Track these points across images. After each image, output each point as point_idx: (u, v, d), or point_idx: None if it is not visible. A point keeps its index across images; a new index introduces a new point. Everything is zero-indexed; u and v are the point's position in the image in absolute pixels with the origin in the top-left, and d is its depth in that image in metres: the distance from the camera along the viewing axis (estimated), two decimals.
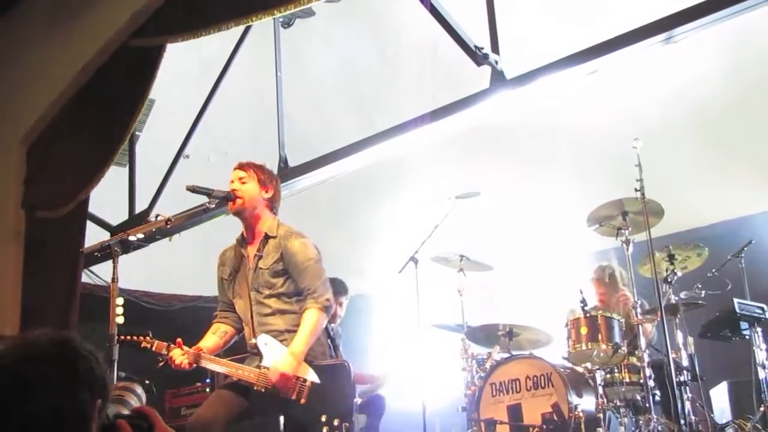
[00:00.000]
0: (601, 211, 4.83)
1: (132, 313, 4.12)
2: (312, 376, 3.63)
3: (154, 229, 5.24)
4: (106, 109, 5.38)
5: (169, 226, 4.12)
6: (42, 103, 5.78)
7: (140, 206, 5.81)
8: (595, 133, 6.53)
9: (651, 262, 4.48)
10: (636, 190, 4.55)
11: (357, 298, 6.96)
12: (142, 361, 3.99)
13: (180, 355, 3.69)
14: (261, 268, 3.81)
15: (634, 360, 4.60)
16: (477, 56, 4.32)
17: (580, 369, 4.80)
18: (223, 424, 3.64)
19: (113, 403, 1.72)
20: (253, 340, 3.75)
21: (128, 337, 3.79)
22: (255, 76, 6.69)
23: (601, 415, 4.51)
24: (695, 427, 4.41)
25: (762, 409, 4.57)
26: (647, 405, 4.37)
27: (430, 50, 6.79)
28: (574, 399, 4.51)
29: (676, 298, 4.82)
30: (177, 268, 7.47)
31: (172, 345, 3.73)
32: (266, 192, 3.92)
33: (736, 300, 4.81)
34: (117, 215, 5.94)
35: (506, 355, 5.05)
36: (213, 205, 3.93)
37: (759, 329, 4.80)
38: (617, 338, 4.66)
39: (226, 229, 4.38)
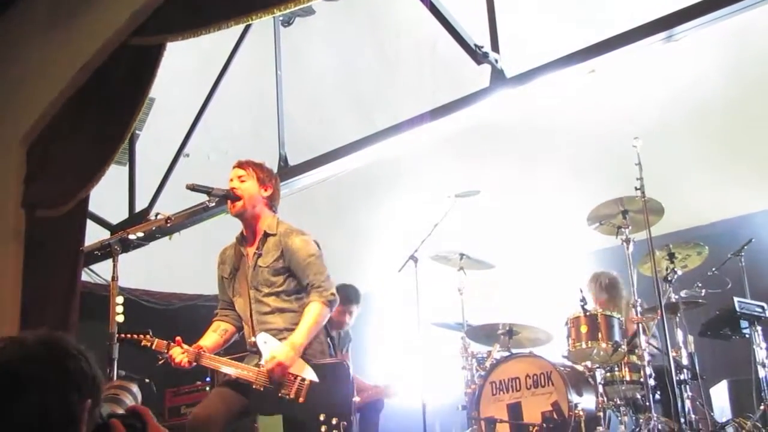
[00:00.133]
0: (601, 210, 4.83)
1: (132, 312, 4.13)
2: (311, 375, 3.62)
3: (154, 228, 5.25)
4: (106, 108, 5.38)
5: (169, 225, 4.12)
6: (42, 103, 5.78)
7: (140, 205, 5.80)
8: (595, 131, 6.53)
9: (651, 261, 4.48)
10: (636, 189, 4.55)
11: None
12: (143, 360, 3.99)
13: (180, 354, 3.69)
14: (260, 267, 3.81)
15: (634, 358, 4.60)
16: (477, 55, 4.31)
17: (580, 367, 4.80)
18: (222, 423, 3.64)
19: (108, 402, 1.71)
20: (253, 339, 3.75)
21: (128, 336, 3.79)
22: (255, 75, 6.69)
23: (601, 414, 4.51)
24: (695, 426, 4.41)
25: (762, 407, 4.57)
26: (647, 403, 4.37)
27: (430, 49, 6.79)
28: (574, 397, 4.51)
29: (677, 297, 4.82)
30: (177, 266, 7.48)
31: (172, 343, 3.73)
32: (265, 190, 3.92)
33: (736, 299, 4.80)
34: (117, 214, 5.94)
35: (506, 353, 5.05)
36: (213, 204, 3.93)
37: (759, 328, 4.79)
38: (617, 337, 4.66)
39: (226, 227, 4.38)
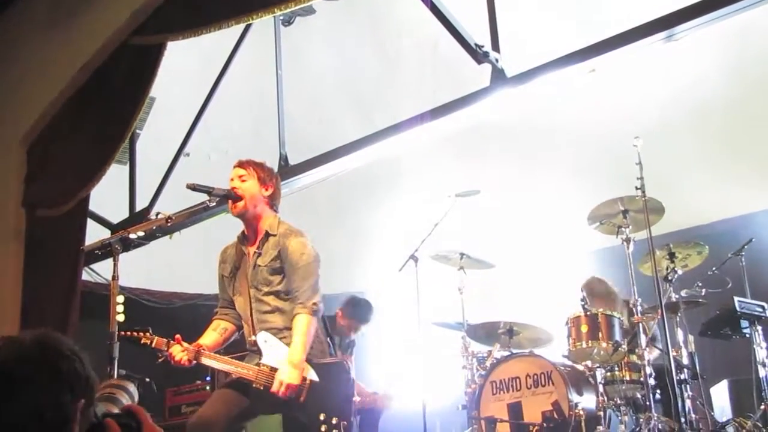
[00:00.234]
0: (601, 209, 4.83)
1: (132, 311, 4.12)
2: (311, 375, 3.63)
3: (154, 227, 5.25)
4: (107, 107, 5.38)
5: (169, 224, 4.12)
6: (42, 102, 5.77)
7: (141, 204, 5.80)
8: (595, 131, 6.54)
9: (651, 261, 4.48)
10: (636, 188, 4.55)
11: None
12: (143, 359, 3.99)
13: (180, 352, 3.69)
14: (260, 266, 3.81)
15: (634, 358, 4.60)
16: (477, 54, 4.31)
17: (580, 367, 4.80)
18: (223, 424, 3.64)
19: (104, 402, 1.71)
20: (253, 337, 3.76)
21: (128, 333, 3.79)
22: (255, 74, 6.69)
23: (601, 413, 4.51)
24: (695, 426, 4.41)
25: (762, 407, 4.57)
26: (648, 403, 4.37)
27: (431, 48, 6.80)
28: (574, 397, 4.51)
29: (677, 297, 4.82)
30: (177, 266, 7.48)
31: (172, 341, 3.74)
32: (266, 190, 3.92)
33: (736, 298, 4.80)
34: (117, 213, 5.94)
35: (506, 353, 5.05)
36: (213, 203, 3.93)
37: (759, 327, 4.79)
38: (617, 336, 4.66)
39: (226, 226, 4.38)
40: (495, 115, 5.12)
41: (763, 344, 4.74)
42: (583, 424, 4.41)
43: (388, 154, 5.34)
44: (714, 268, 5.18)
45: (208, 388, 6.05)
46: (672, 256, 4.90)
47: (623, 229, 4.70)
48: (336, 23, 7.22)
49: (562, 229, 6.50)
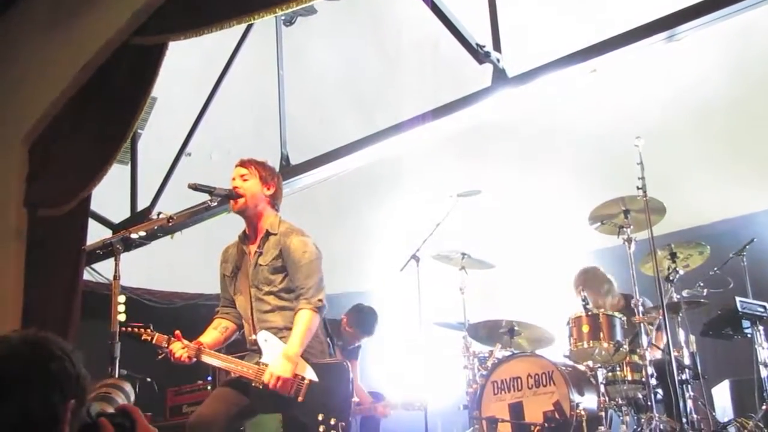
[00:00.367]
0: (602, 210, 4.82)
1: (134, 311, 4.12)
2: (310, 375, 3.63)
3: (155, 227, 5.25)
4: (108, 107, 5.38)
5: (170, 224, 4.13)
6: (43, 102, 5.78)
7: (142, 204, 5.81)
8: (596, 131, 6.54)
9: (653, 261, 4.48)
10: (638, 188, 4.55)
11: (358, 296, 6.96)
12: (144, 359, 3.99)
13: (180, 349, 3.69)
14: (261, 265, 3.81)
15: (635, 358, 4.60)
16: (479, 54, 4.31)
17: (581, 367, 4.79)
18: (223, 423, 3.64)
19: (99, 401, 1.71)
20: (253, 336, 3.76)
21: (129, 328, 3.79)
22: (257, 74, 6.69)
23: (602, 414, 4.51)
24: (697, 426, 4.41)
25: (764, 407, 4.56)
26: (649, 403, 4.36)
27: (432, 48, 6.80)
28: (575, 397, 4.51)
29: (678, 297, 4.81)
30: (178, 265, 7.48)
31: (172, 338, 3.74)
32: (268, 189, 3.92)
33: (738, 298, 4.79)
34: (119, 213, 5.94)
35: (508, 353, 5.05)
36: (215, 203, 3.93)
37: (761, 328, 4.79)
38: (619, 336, 4.65)
39: (227, 226, 4.38)
40: (496, 115, 5.12)
41: (765, 344, 4.74)
42: (584, 424, 4.41)
43: (390, 154, 5.34)
44: (715, 268, 5.17)
45: (209, 387, 6.05)
46: (673, 256, 4.90)
47: (624, 229, 4.70)
48: (337, 23, 7.23)
49: (563, 229, 6.49)
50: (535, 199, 6.88)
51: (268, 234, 3.85)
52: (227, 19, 4.70)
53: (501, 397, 4.78)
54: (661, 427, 4.30)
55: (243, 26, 5.41)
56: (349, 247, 7.50)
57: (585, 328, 4.67)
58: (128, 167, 6.06)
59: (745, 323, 4.82)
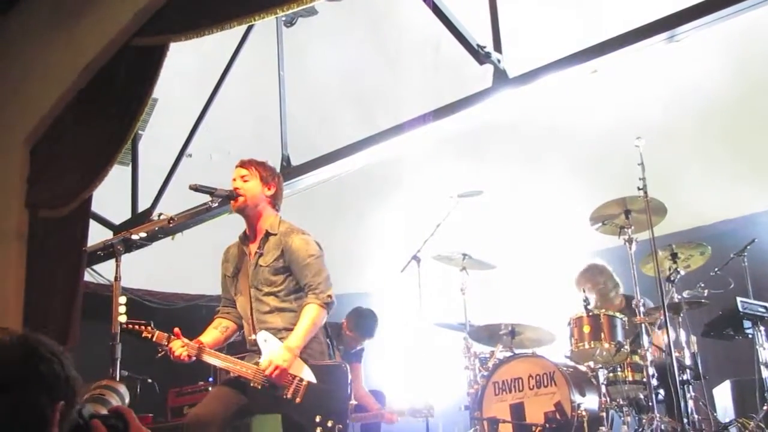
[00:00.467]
0: (603, 210, 4.82)
1: (134, 312, 4.13)
2: (309, 376, 3.62)
3: (156, 228, 5.27)
4: (109, 108, 5.39)
5: (171, 225, 4.14)
6: (45, 103, 5.79)
7: (143, 205, 5.81)
8: (597, 131, 6.53)
9: (654, 261, 4.48)
10: (639, 189, 4.54)
11: (359, 297, 6.96)
12: (145, 360, 4.00)
13: (180, 347, 3.69)
14: (261, 266, 3.81)
15: (636, 359, 4.60)
16: (479, 55, 4.31)
17: (582, 368, 4.79)
18: (220, 422, 3.64)
19: (93, 402, 1.70)
20: (253, 337, 3.76)
21: (129, 325, 3.79)
22: (257, 75, 6.69)
23: (604, 414, 4.50)
24: (698, 426, 4.41)
25: (765, 407, 4.56)
26: (650, 404, 4.36)
27: (433, 49, 6.79)
28: (577, 398, 4.51)
29: (679, 297, 4.81)
30: (179, 266, 7.49)
31: (172, 336, 3.74)
32: (268, 189, 3.92)
33: (739, 299, 4.79)
34: (120, 214, 5.94)
35: (509, 353, 5.04)
36: (215, 204, 3.94)
37: (762, 328, 4.78)
38: (620, 337, 4.65)
39: (228, 227, 4.38)
40: (497, 116, 5.11)
41: (766, 345, 4.73)
42: (585, 424, 4.40)
43: (391, 155, 5.35)
44: (716, 269, 5.17)
45: (210, 388, 6.05)
46: (674, 256, 4.90)
47: (625, 229, 4.69)
48: (338, 24, 7.23)
49: (564, 230, 6.49)
50: (536, 199, 6.88)
51: (267, 234, 3.85)
52: (228, 20, 4.71)
53: (502, 398, 4.78)
54: (663, 427, 4.30)
55: (243, 27, 5.41)
56: (350, 247, 7.50)
57: (586, 329, 4.67)
58: (129, 168, 6.07)
59: (746, 323, 4.81)
